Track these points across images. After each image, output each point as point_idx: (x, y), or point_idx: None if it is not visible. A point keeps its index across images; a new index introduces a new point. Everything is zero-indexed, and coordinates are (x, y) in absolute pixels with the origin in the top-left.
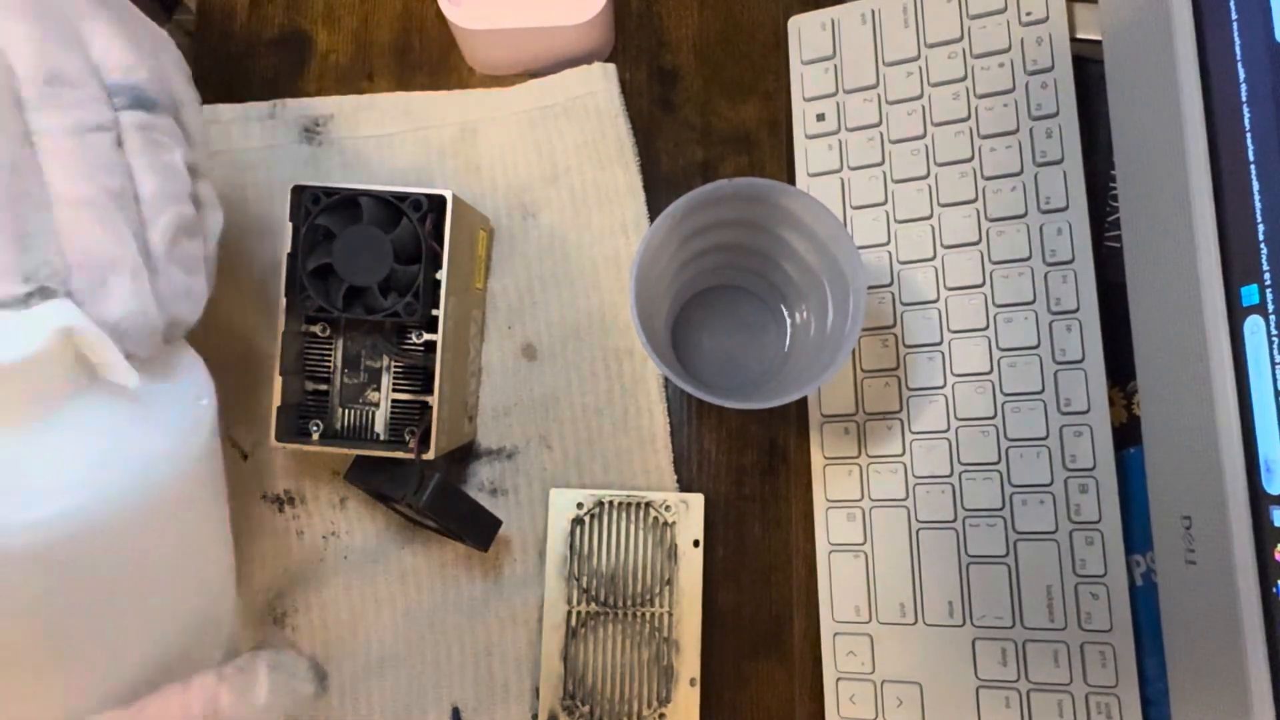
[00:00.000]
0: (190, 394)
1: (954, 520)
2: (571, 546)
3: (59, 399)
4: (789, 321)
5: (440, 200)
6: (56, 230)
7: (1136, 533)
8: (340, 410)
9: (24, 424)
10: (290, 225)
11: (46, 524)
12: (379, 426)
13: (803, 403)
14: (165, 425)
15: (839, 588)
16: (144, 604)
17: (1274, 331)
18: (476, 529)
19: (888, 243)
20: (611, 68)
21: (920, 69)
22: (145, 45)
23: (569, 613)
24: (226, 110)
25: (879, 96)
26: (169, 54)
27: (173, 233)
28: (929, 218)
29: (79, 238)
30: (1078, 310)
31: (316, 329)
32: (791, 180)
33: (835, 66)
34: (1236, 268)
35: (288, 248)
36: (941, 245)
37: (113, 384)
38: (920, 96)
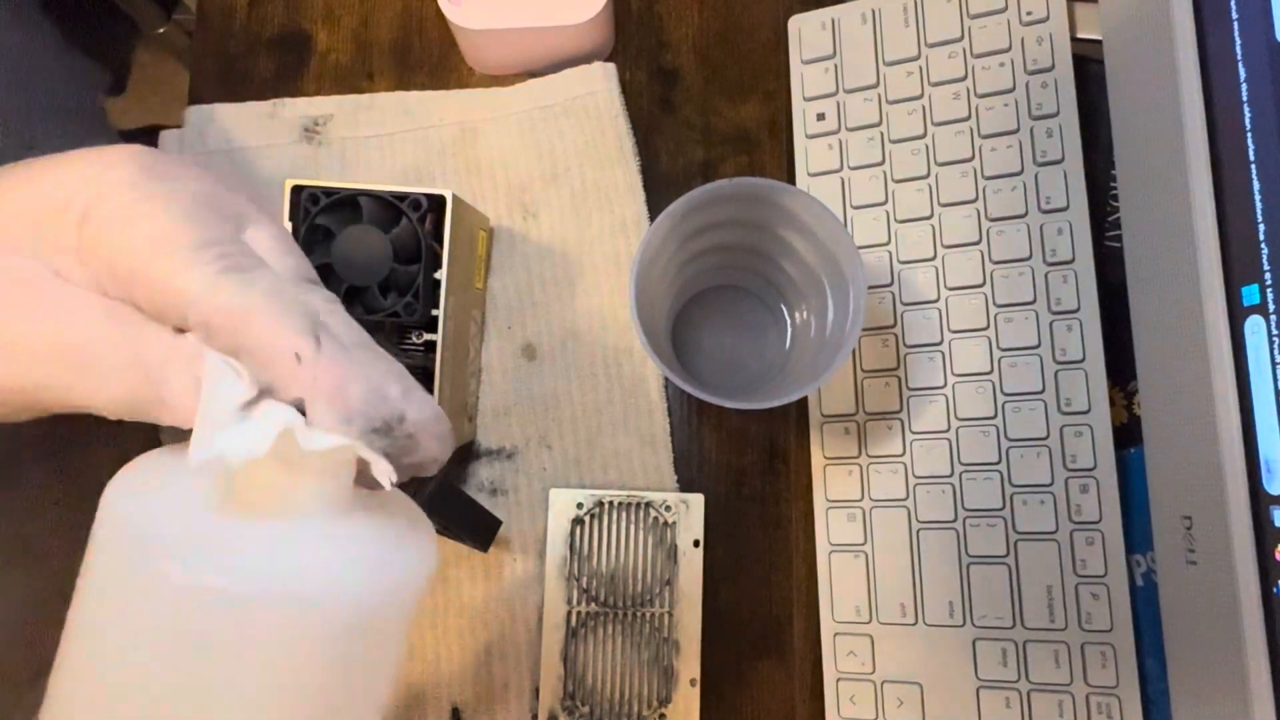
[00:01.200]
0: (422, 556)
1: (954, 520)
2: (571, 546)
3: (335, 505)
4: (789, 321)
5: (440, 200)
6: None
7: (1137, 533)
8: None
9: (321, 516)
10: (290, 225)
11: (346, 606)
12: None
13: (803, 403)
14: (400, 568)
15: (839, 588)
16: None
17: (1275, 331)
18: (476, 529)
19: (888, 243)
20: (611, 68)
21: (920, 69)
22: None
23: (569, 613)
24: (226, 110)
25: (879, 96)
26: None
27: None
28: (929, 217)
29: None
30: (1078, 310)
31: None
32: (791, 180)
33: (835, 66)
34: (1237, 267)
35: None
36: (942, 245)
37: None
38: (920, 96)
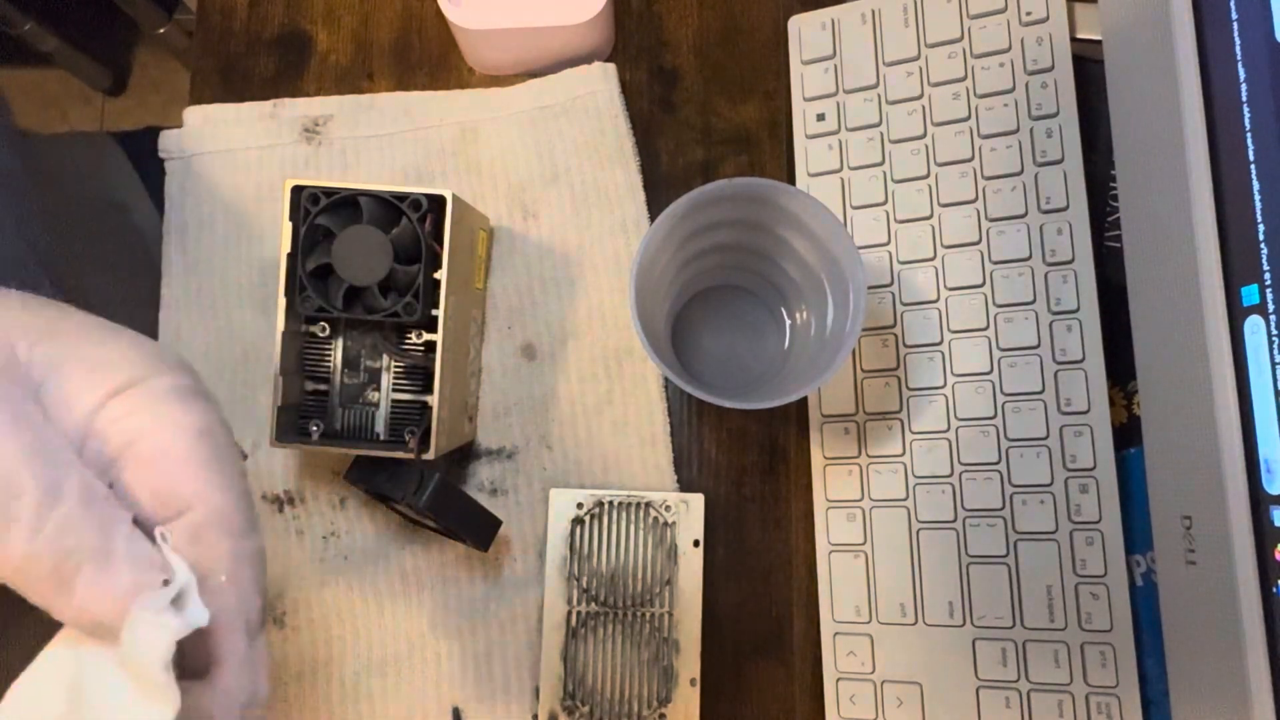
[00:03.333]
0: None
1: (954, 520)
2: (571, 546)
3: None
4: (789, 321)
5: (440, 200)
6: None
7: (1136, 533)
8: (340, 410)
9: None
10: (290, 225)
11: None
12: (379, 426)
13: (803, 403)
14: None
15: (839, 588)
16: None
17: (1274, 331)
18: (476, 529)
19: (888, 243)
20: (611, 68)
21: (920, 69)
22: None
23: (569, 613)
24: (226, 110)
25: (879, 96)
26: None
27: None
28: (929, 218)
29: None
30: (1078, 310)
31: (316, 329)
32: (791, 180)
33: (835, 66)
34: (1237, 267)
35: (287, 248)
36: (941, 245)
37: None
38: (920, 96)
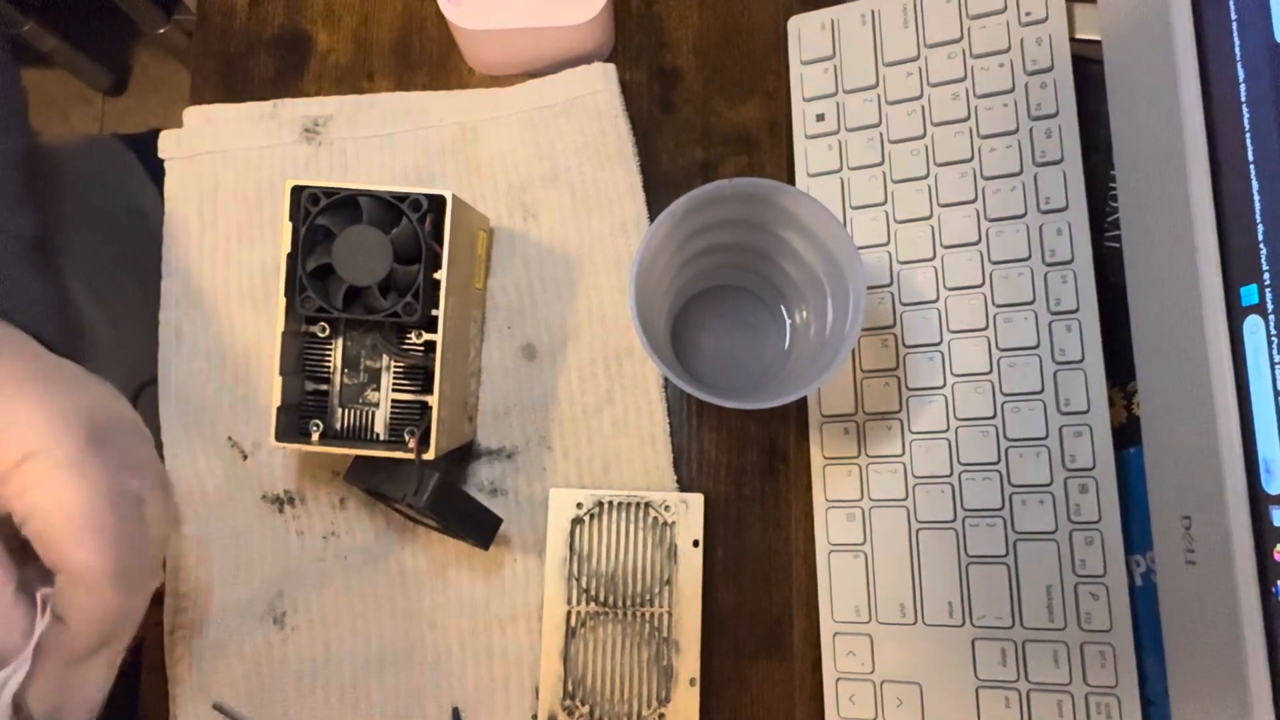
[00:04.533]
0: None
1: (954, 520)
2: (571, 546)
3: None
4: (789, 321)
5: (440, 200)
6: None
7: (1136, 533)
8: (340, 410)
9: None
10: (290, 225)
11: None
12: (379, 426)
13: (803, 403)
14: None
15: (839, 588)
16: None
17: (1273, 331)
18: (477, 527)
19: (888, 243)
20: (611, 68)
21: (920, 69)
22: None
23: (569, 613)
24: (226, 110)
25: (879, 96)
26: None
27: None
28: (929, 218)
29: None
30: (1077, 310)
31: (316, 329)
32: (791, 180)
33: (835, 66)
34: (1236, 267)
35: (287, 248)
36: (941, 245)
37: None
38: (920, 96)
